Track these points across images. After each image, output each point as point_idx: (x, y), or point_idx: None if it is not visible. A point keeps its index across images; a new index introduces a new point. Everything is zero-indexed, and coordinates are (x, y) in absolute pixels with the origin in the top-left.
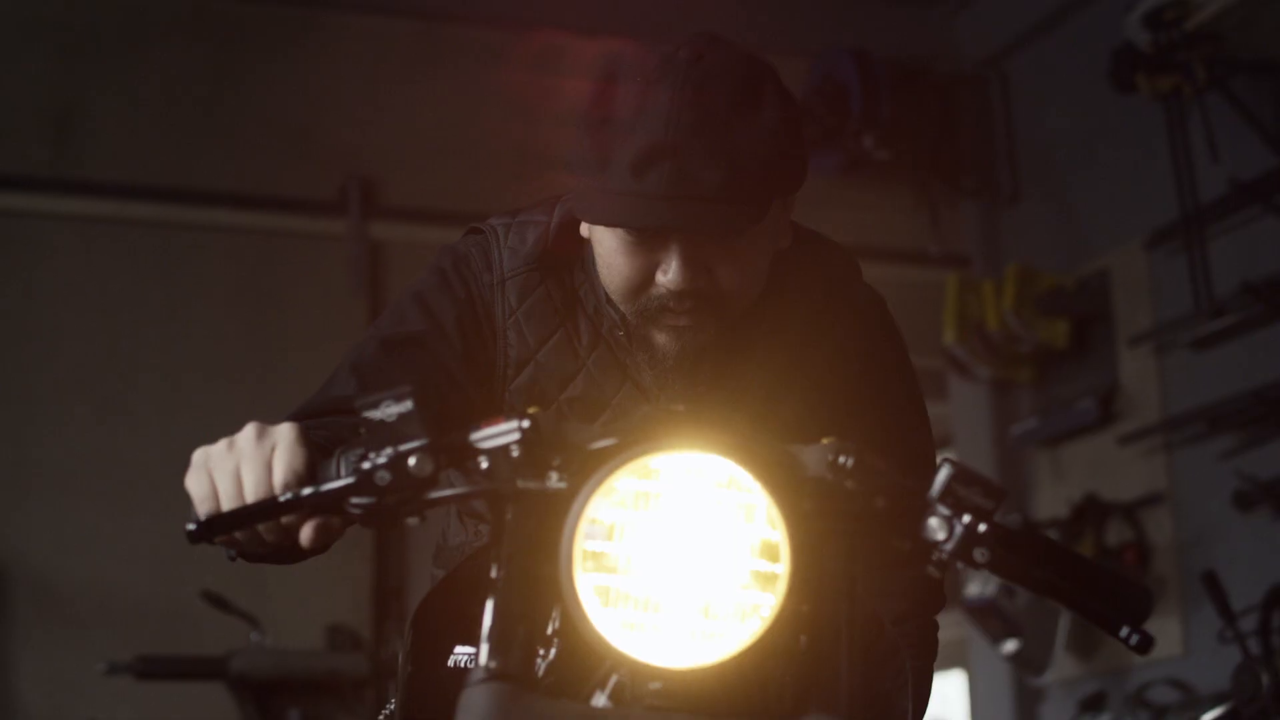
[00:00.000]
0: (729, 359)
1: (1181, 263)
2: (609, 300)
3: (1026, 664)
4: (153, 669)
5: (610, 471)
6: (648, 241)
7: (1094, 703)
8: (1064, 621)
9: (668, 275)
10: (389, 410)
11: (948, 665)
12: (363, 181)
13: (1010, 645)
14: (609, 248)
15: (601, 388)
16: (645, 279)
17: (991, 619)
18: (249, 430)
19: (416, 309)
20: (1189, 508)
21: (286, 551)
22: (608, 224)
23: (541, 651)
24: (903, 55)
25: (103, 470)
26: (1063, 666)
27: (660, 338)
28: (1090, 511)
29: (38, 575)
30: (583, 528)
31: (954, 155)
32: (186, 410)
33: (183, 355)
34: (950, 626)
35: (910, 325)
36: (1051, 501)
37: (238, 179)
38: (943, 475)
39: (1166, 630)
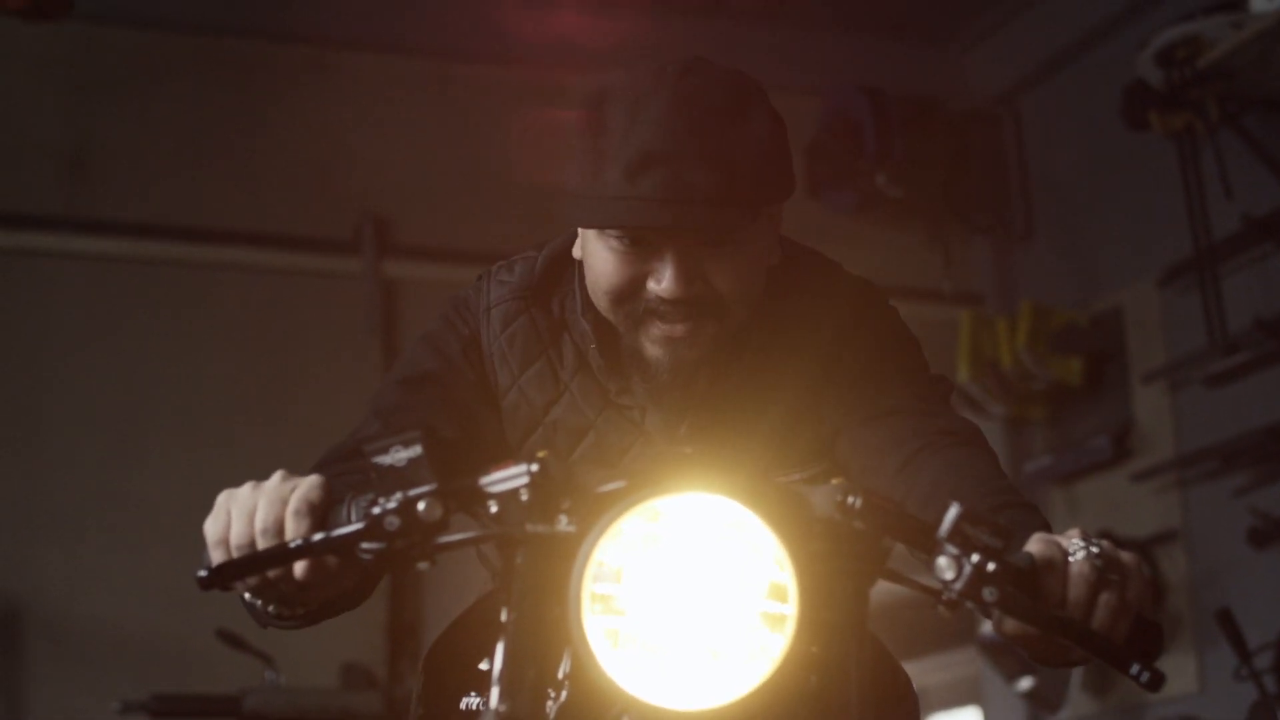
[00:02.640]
0: (722, 376)
1: (1195, 300)
2: (585, 311)
3: (1041, 701)
4: (167, 708)
5: (618, 515)
6: (641, 248)
7: None
8: None
9: (661, 283)
10: (398, 456)
11: (961, 702)
12: (376, 220)
13: (1025, 683)
14: (601, 257)
15: (583, 411)
16: (637, 287)
17: (1006, 656)
18: (275, 477)
19: (426, 349)
20: (1203, 545)
21: (306, 606)
22: (603, 225)
23: (552, 694)
24: (915, 93)
25: (116, 509)
26: (1077, 704)
27: (652, 350)
28: None
29: (51, 614)
30: (590, 571)
31: (967, 192)
32: (200, 449)
33: (196, 394)
34: (964, 664)
35: None
36: None
37: (251, 218)
38: (951, 515)
39: (1181, 667)
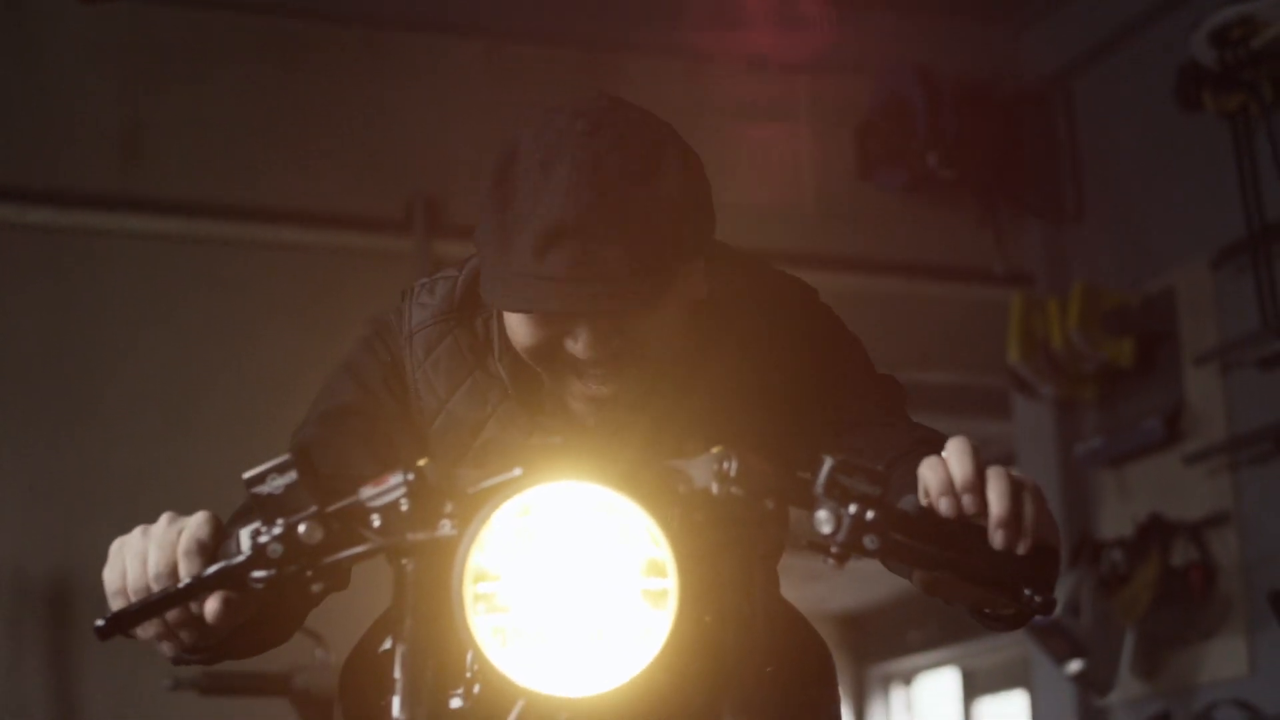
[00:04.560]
0: (651, 413)
1: (1248, 281)
2: (502, 356)
3: (1091, 684)
4: (217, 685)
5: (489, 513)
6: (555, 316)
7: None
8: (1129, 641)
9: (578, 344)
10: (275, 483)
11: (1010, 685)
12: (428, 200)
13: (1075, 665)
14: (516, 319)
15: (513, 431)
16: (555, 346)
17: (1055, 639)
18: (162, 519)
19: (347, 379)
20: (1255, 527)
21: (216, 637)
22: (512, 309)
23: (461, 692)
24: (967, 73)
25: (169, 487)
26: (1127, 686)
27: (576, 405)
28: (1155, 531)
29: (103, 591)
30: (470, 572)
31: (1019, 173)
32: (253, 427)
33: (249, 372)
34: (1012, 645)
35: (974, 344)
36: (1116, 521)
37: (304, 197)
38: (825, 468)
39: (1232, 650)
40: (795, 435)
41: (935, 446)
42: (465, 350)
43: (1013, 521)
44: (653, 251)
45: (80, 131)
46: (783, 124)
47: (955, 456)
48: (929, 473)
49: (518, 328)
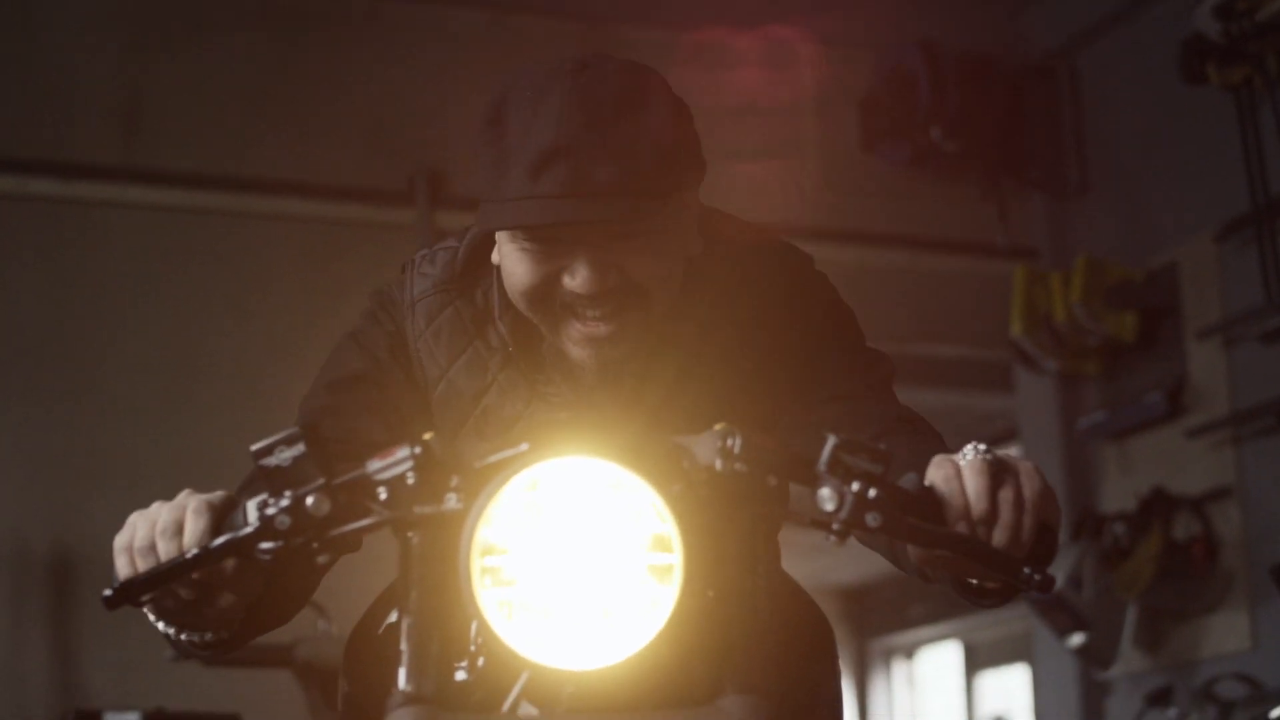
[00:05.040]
0: (650, 373)
1: (1251, 255)
2: (503, 315)
3: (1093, 657)
4: (219, 657)
5: (497, 487)
6: (553, 246)
7: (1161, 696)
8: (1131, 615)
9: (575, 279)
10: (283, 455)
11: (1012, 659)
12: (430, 172)
13: (1077, 639)
14: (514, 259)
15: (512, 401)
16: (552, 285)
17: (1058, 612)
18: (181, 494)
19: (354, 349)
20: (1257, 501)
21: (219, 616)
22: (506, 227)
23: (465, 664)
24: (971, 46)
25: (170, 460)
26: (1129, 660)
27: (576, 351)
28: (1158, 505)
29: (105, 563)
30: (477, 545)
31: (1022, 147)
32: (254, 400)
33: (250, 344)
34: (1014, 619)
35: (977, 317)
36: (1119, 494)
37: (306, 169)
38: (828, 446)
39: (1235, 624)
40: (779, 404)
41: (918, 429)
42: (466, 321)
43: (1014, 546)
44: (644, 172)
45: (81, 103)
46: (787, 96)
47: (973, 486)
48: (944, 486)
49: (515, 267)
